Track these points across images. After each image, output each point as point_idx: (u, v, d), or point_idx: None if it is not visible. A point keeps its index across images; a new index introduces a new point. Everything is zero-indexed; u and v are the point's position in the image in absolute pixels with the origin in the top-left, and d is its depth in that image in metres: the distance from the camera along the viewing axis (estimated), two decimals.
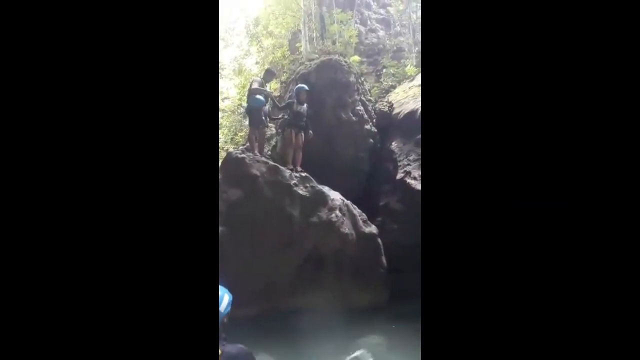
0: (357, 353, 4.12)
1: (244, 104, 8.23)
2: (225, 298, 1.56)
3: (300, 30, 9.84)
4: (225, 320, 1.56)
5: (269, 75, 6.86)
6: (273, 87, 8.23)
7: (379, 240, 6.11)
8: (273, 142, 7.59)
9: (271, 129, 7.56)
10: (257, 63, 12.28)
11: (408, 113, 7.39)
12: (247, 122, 7.41)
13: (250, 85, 6.35)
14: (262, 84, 6.40)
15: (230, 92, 12.46)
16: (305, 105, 6.32)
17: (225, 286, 1.61)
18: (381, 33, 11.18)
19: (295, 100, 6.29)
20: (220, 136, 10.31)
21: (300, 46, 9.52)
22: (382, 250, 6.10)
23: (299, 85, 6.52)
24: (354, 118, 7.40)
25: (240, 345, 1.56)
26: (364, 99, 7.82)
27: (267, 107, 6.41)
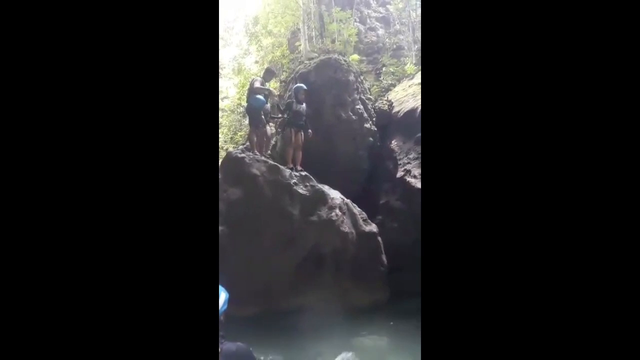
0: (343, 355, 4.08)
1: (244, 104, 8.23)
2: (221, 296, 1.56)
3: (299, 29, 9.83)
4: (222, 318, 1.56)
5: (268, 74, 6.86)
6: (273, 86, 8.22)
7: (379, 238, 6.12)
8: (273, 142, 7.58)
9: (271, 129, 7.56)
10: (256, 62, 12.26)
11: (408, 111, 7.39)
12: (246, 122, 7.40)
13: (251, 85, 6.35)
14: (262, 84, 6.40)
15: (230, 91, 12.45)
16: (304, 104, 6.33)
17: (222, 284, 1.60)
18: (381, 31, 11.16)
19: (294, 100, 6.30)
20: (219, 136, 10.30)
21: (300, 45, 9.51)
22: (382, 249, 6.10)
23: (298, 84, 6.53)
24: (353, 117, 7.40)
25: (240, 343, 1.56)
26: (363, 97, 7.81)
27: (267, 106, 6.42)
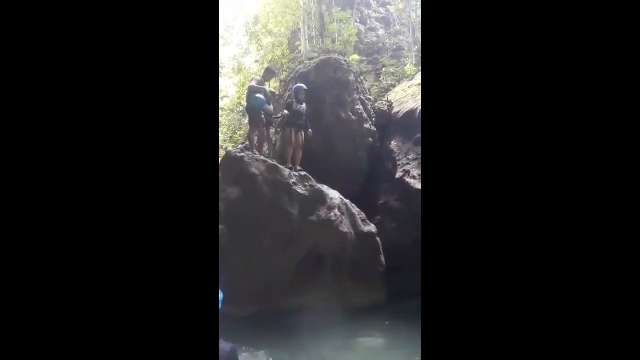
0: None
1: (244, 103, 8.22)
2: None
3: (299, 29, 9.81)
4: None
5: (268, 74, 6.86)
6: (272, 85, 8.22)
7: (378, 239, 6.12)
8: (273, 141, 7.58)
9: (272, 128, 7.56)
10: (256, 62, 12.25)
11: (407, 112, 7.39)
12: (246, 121, 7.39)
13: (250, 84, 6.35)
14: (261, 83, 6.40)
15: (230, 90, 12.44)
16: (304, 104, 6.33)
17: (220, 284, 1.60)
18: (381, 32, 11.16)
19: (294, 100, 6.30)
20: (219, 135, 10.29)
21: (300, 45, 9.50)
22: (381, 249, 6.11)
23: (298, 84, 6.53)
24: (353, 117, 7.40)
25: (233, 345, 1.58)
26: (363, 98, 7.81)
27: (270, 107, 6.42)
